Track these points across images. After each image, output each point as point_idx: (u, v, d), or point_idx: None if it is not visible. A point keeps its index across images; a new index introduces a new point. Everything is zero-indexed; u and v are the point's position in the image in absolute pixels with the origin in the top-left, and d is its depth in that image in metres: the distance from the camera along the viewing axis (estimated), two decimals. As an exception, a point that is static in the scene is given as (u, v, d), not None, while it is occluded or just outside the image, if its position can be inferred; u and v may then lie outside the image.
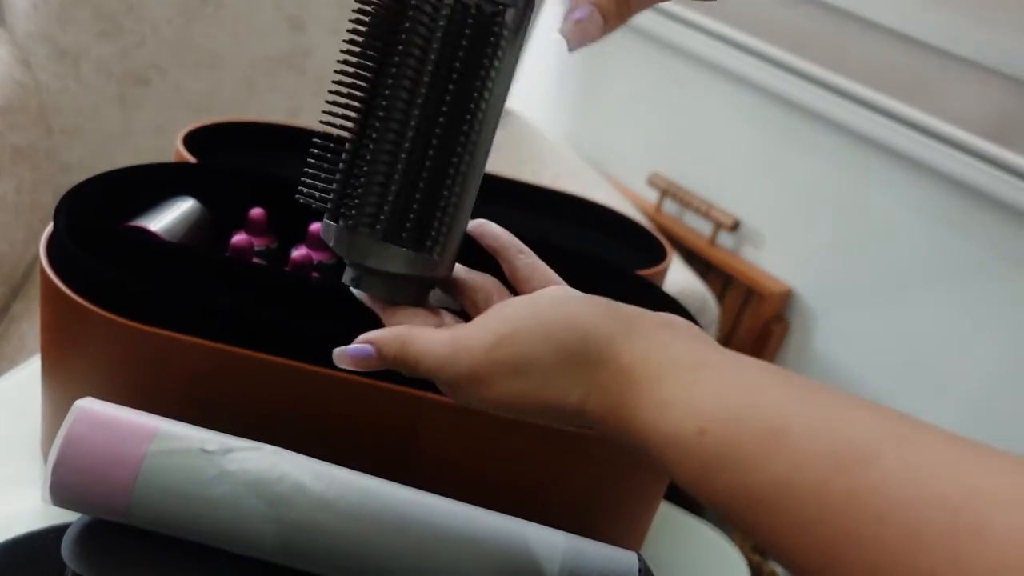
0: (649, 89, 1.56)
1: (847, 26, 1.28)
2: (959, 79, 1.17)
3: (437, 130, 0.38)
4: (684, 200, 1.48)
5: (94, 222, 0.54)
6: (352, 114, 0.40)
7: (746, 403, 0.31)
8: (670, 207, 1.54)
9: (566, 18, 0.37)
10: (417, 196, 0.39)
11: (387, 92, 0.38)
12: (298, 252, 0.59)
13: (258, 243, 0.62)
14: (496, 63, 0.38)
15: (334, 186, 0.40)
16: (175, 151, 0.66)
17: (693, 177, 1.50)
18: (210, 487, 0.41)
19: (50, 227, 0.52)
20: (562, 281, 0.43)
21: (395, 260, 0.39)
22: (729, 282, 1.45)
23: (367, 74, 0.39)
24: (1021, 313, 1.16)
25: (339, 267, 0.63)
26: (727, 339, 1.45)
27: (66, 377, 0.52)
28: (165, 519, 0.41)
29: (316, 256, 0.62)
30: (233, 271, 0.53)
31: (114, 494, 0.41)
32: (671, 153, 1.54)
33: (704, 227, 1.48)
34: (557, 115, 1.67)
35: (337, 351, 0.40)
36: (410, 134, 0.38)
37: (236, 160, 0.68)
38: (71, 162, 1.19)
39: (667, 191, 1.51)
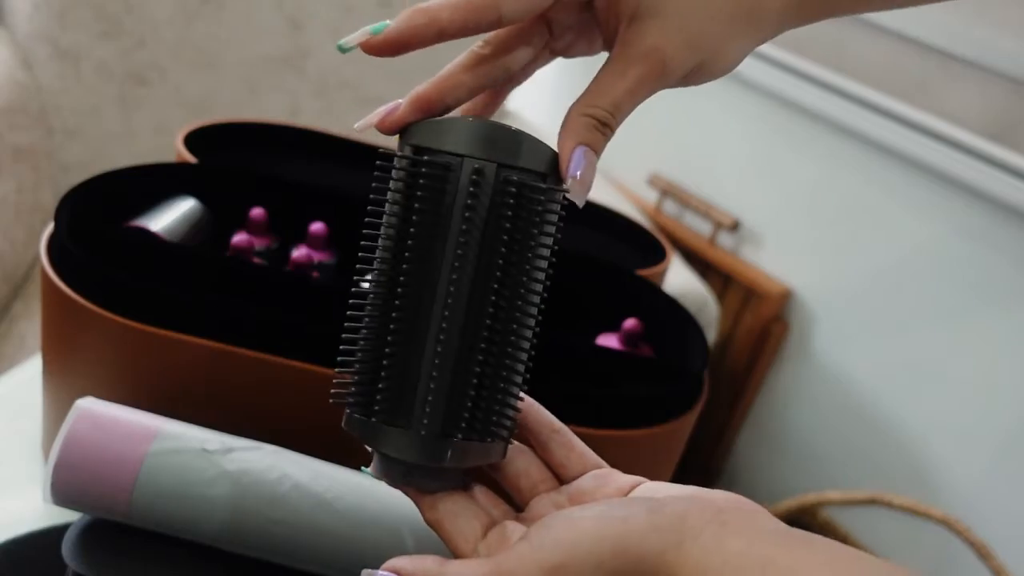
0: (649, 89, 1.56)
1: (847, 26, 1.28)
2: (959, 79, 1.17)
3: (492, 312, 0.35)
4: (684, 200, 1.48)
5: (94, 222, 0.54)
6: (397, 303, 0.34)
7: None
8: (670, 207, 1.54)
9: (568, 169, 0.35)
10: (479, 384, 0.35)
11: (437, 279, 0.34)
12: (298, 252, 0.59)
13: (258, 243, 0.62)
14: (548, 239, 0.35)
15: (380, 385, 0.35)
16: (175, 151, 0.66)
17: (693, 177, 1.50)
18: (210, 487, 0.41)
19: (51, 227, 0.52)
20: (601, 462, 0.40)
21: (458, 454, 0.35)
22: (729, 282, 1.45)
23: (410, 264, 0.34)
24: (1020, 312, 1.16)
25: (339, 267, 0.64)
26: (727, 339, 1.46)
27: (67, 377, 0.52)
28: (165, 519, 0.41)
29: (316, 256, 0.62)
30: (233, 271, 0.53)
31: (115, 494, 0.41)
32: (671, 153, 1.54)
33: (704, 227, 1.49)
34: (557, 115, 1.66)
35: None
36: (465, 320, 0.34)
37: (236, 160, 0.68)
38: (71, 162, 1.19)
39: (667, 191, 1.51)
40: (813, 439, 1.42)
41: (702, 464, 1.38)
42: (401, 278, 0.34)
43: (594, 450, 0.51)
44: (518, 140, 0.34)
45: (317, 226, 0.62)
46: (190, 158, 0.65)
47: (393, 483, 0.37)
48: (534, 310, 0.36)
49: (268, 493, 0.41)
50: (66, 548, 0.41)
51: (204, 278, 0.52)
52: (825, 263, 1.36)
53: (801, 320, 1.41)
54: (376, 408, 0.35)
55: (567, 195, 0.35)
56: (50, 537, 0.46)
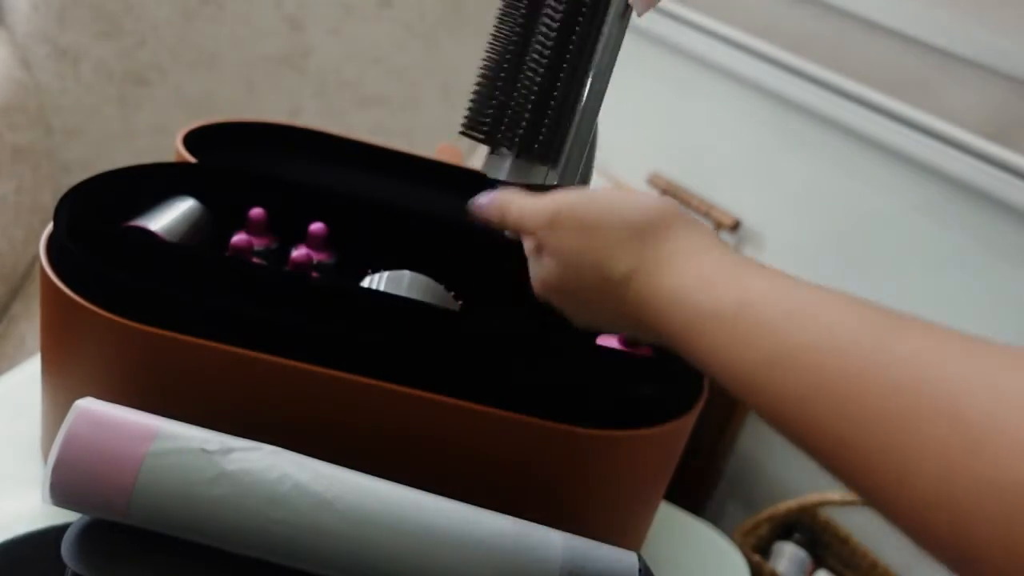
0: (649, 89, 1.56)
1: (847, 26, 1.28)
2: (959, 79, 1.17)
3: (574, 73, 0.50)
4: (684, 200, 1.48)
5: (94, 222, 0.54)
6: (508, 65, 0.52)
7: (787, 288, 0.34)
8: (670, 207, 1.54)
9: None
10: (557, 125, 0.51)
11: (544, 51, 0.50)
12: (298, 252, 0.59)
13: (258, 243, 0.62)
14: (604, 28, 0.50)
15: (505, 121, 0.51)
16: (175, 151, 0.66)
17: (693, 177, 1.50)
18: (210, 487, 0.41)
19: (50, 227, 0.52)
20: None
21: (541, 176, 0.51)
22: (729, 282, 1.45)
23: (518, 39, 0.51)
24: (1021, 312, 1.16)
25: (339, 267, 0.63)
26: (727, 339, 1.45)
27: (66, 377, 0.52)
28: (165, 519, 0.41)
29: (316, 256, 0.62)
30: (233, 271, 0.53)
31: (114, 494, 0.40)
32: (671, 153, 1.54)
33: (704, 227, 1.49)
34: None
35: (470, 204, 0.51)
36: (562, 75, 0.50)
37: (236, 160, 0.68)
38: (71, 162, 1.19)
39: (667, 191, 1.51)
40: (813, 439, 1.41)
41: (702, 464, 1.38)
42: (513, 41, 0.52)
43: (594, 450, 0.51)
44: None
45: (317, 226, 0.62)
46: (190, 158, 0.65)
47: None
48: (596, 75, 0.51)
49: (268, 493, 0.41)
50: (65, 548, 0.41)
51: (204, 278, 0.52)
52: (826, 263, 1.36)
53: (801, 320, 1.41)
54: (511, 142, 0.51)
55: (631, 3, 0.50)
56: (49, 537, 0.46)
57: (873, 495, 0.28)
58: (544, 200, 0.45)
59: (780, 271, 0.36)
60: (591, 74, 0.50)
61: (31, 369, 0.63)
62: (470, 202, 0.51)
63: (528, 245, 0.48)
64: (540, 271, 0.46)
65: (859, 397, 0.29)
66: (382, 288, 0.56)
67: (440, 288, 0.59)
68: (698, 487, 1.38)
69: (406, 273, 0.58)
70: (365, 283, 0.57)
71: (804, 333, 0.31)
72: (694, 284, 0.37)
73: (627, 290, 0.40)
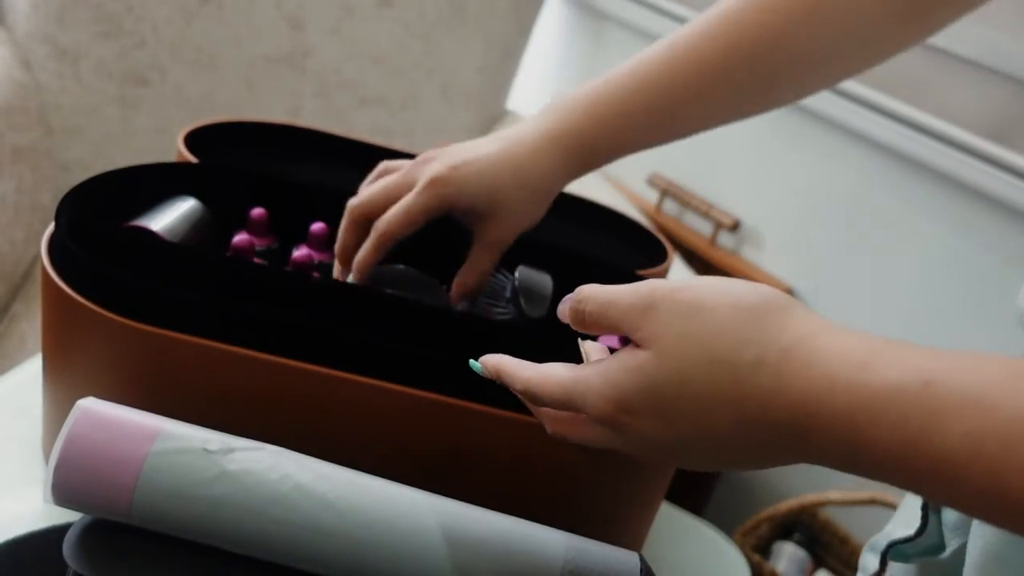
0: (649, 89, 1.56)
1: (847, 26, 1.28)
2: (959, 79, 1.17)
3: None
4: (684, 200, 1.48)
5: (95, 222, 0.54)
6: None
7: (966, 359, 0.30)
8: (670, 207, 1.54)
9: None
10: None
11: None
12: (299, 252, 0.59)
13: (259, 243, 0.62)
14: None
15: None
16: (175, 151, 0.66)
17: (693, 177, 1.50)
18: (212, 487, 0.41)
19: (51, 227, 0.52)
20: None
21: None
22: (729, 282, 1.45)
23: None
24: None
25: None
26: (727, 339, 1.46)
27: (67, 377, 0.52)
28: (167, 519, 0.41)
29: (317, 256, 0.62)
30: (234, 271, 0.53)
31: (116, 494, 0.40)
32: (671, 153, 1.54)
33: (704, 227, 1.49)
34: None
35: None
36: None
37: (236, 160, 0.68)
38: (71, 162, 1.19)
39: (667, 191, 1.51)
40: (813, 439, 1.42)
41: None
42: None
43: (596, 450, 0.51)
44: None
45: (318, 226, 0.62)
46: (190, 158, 0.65)
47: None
48: None
49: (270, 493, 0.41)
50: (67, 548, 0.41)
51: (205, 278, 0.52)
52: (826, 263, 1.36)
53: (801, 320, 1.41)
54: None
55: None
56: (50, 537, 0.46)
57: None
58: (630, 287, 0.38)
59: (921, 345, 0.32)
60: None
61: (32, 369, 0.63)
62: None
63: (598, 348, 0.43)
64: (624, 376, 0.36)
65: None
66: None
67: (428, 280, 0.60)
68: (698, 487, 1.38)
69: (398, 267, 0.59)
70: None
71: (1017, 400, 0.28)
72: (854, 365, 0.31)
73: (755, 382, 0.33)
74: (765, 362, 0.33)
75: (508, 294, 0.60)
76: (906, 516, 0.49)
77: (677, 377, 0.35)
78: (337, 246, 0.58)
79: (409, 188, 0.56)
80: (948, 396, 0.29)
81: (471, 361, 0.46)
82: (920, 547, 0.47)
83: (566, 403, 0.39)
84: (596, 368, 0.38)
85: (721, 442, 0.35)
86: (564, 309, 0.42)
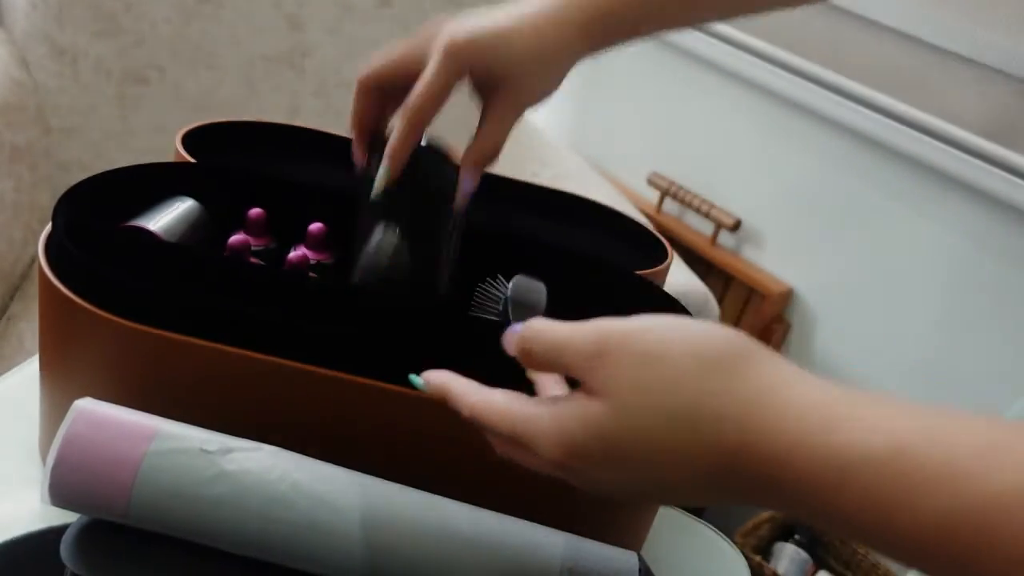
0: (649, 89, 1.56)
1: (847, 26, 1.28)
2: (959, 79, 1.17)
3: None
4: (684, 200, 1.48)
5: (93, 222, 0.54)
6: None
7: (942, 421, 0.28)
8: (670, 207, 1.54)
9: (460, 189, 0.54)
10: None
11: None
12: (295, 253, 0.59)
13: (256, 243, 0.61)
14: None
15: None
16: (174, 151, 0.66)
17: (693, 177, 1.50)
18: (210, 487, 0.41)
19: (49, 227, 0.52)
20: None
21: None
22: (730, 282, 1.45)
23: None
24: (1021, 311, 1.16)
25: (337, 267, 0.63)
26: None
27: (65, 377, 0.52)
28: (164, 519, 0.41)
29: (314, 256, 0.62)
30: (231, 271, 0.53)
31: (113, 494, 0.40)
32: (671, 153, 1.54)
33: (705, 227, 1.48)
34: (557, 115, 1.66)
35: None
36: None
37: (235, 160, 0.68)
38: (69, 161, 1.19)
39: (667, 191, 1.51)
40: (813, 439, 1.41)
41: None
42: None
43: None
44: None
45: (315, 226, 0.62)
46: (189, 158, 0.65)
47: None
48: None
49: (268, 493, 0.41)
50: (64, 549, 0.41)
51: (202, 278, 0.52)
52: (826, 262, 1.36)
53: (802, 320, 1.41)
54: None
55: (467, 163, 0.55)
56: (48, 538, 0.46)
57: None
58: (582, 329, 0.36)
59: (899, 399, 0.30)
60: None
61: (30, 369, 0.63)
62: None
63: (556, 390, 0.40)
64: (576, 425, 0.34)
65: None
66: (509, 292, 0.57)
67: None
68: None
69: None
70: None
71: (1001, 476, 0.26)
72: (821, 425, 0.29)
73: (716, 439, 0.31)
74: (727, 416, 0.31)
75: (501, 306, 0.59)
76: None
77: (632, 433, 0.33)
78: (352, 117, 0.56)
79: (422, 57, 0.54)
80: (920, 469, 0.27)
81: (411, 376, 0.43)
82: None
83: (514, 441, 0.37)
84: (548, 411, 0.35)
85: (680, 488, 0.33)
86: (511, 343, 0.38)
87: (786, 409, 0.30)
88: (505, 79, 0.54)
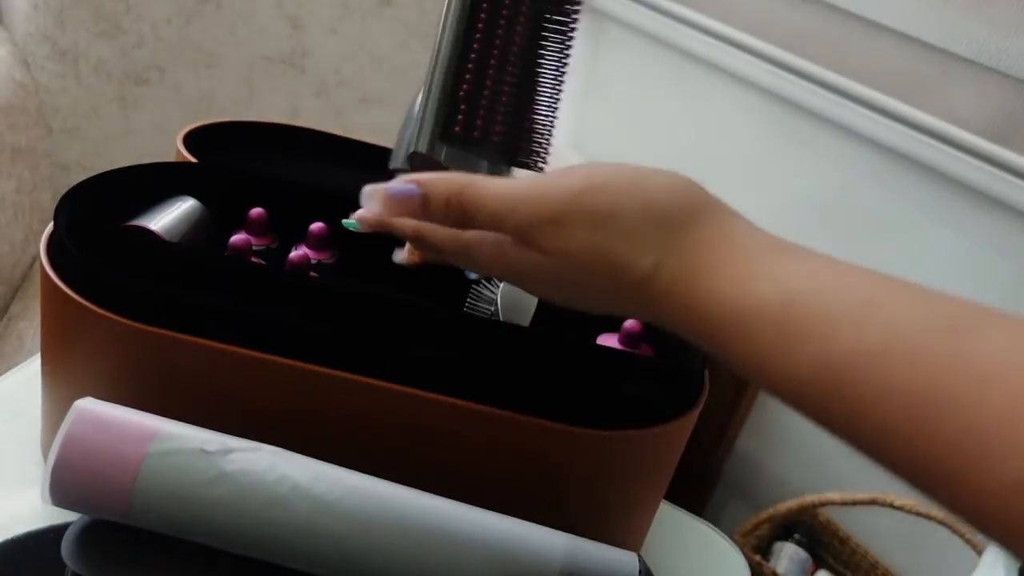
0: (650, 89, 1.56)
1: (847, 26, 1.28)
2: (959, 79, 1.17)
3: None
4: (684, 200, 1.48)
5: (94, 222, 0.54)
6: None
7: (836, 278, 0.31)
8: (670, 207, 1.54)
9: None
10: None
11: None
12: (296, 252, 0.59)
13: (258, 243, 0.61)
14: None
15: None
16: (175, 151, 0.66)
17: (693, 177, 1.50)
18: (210, 488, 0.41)
19: (50, 227, 0.52)
20: None
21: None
22: (729, 282, 1.45)
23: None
24: (1019, 309, 1.15)
25: (339, 267, 0.63)
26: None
27: (66, 377, 0.52)
28: (165, 519, 0.41)
29: (315, 256, 0.62)
30: (232, 271, 0.53)
31: (114, 494, 0.40)
32: (671, 153, 1.54)
33: (704, 227, 1.48)
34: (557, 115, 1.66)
35: (368, 188, 0.39)
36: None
37: (236, 160, 0.68)
38: (70, 162, 1.19)
39: (667, 191, 1.51)
40: (813, 439, 1.42)
41: (702, 464, 1.38)
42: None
43: (594, 450, 0.51)
44: None
45: (317, 226, 0.62)
46: (190, 158, 0.65)
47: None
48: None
49: (268, 494, 0.41)
50: (65, 549, 0.41)
51: (203, 278, 0.52)
52: (825, 263, 1.36)
53: (801, 320, 1.40)
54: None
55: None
56: (49, 538, 0.46)
57: (943, 493, 0.27)
58: (539, 188, 0.36)
59: (823, 255, 0.33)
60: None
61: (31, 369, 0.63)
62: (369, 188, 0.39)
63: (501, 237, 0.39)
64: (522, 266, 0.37)
65: (932, 404, 0.27)
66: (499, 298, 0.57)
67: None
68: (698, 487, 1.38)
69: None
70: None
71: (863, 334, 0.29)
72: (730, 278, 0.33)
73: (650, 287, 0.34)
74: (661, 268, 0.34)
75: (492, 307, 0.59)
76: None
77: (571, 284, 0.36)
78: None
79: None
80: (801, 320, 0.30)
81: (344, 221, 0.44)
82: None
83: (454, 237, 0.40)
84: (498, 244, 0.38)
85: (595, 302, 0.37)
86: (439, 197, 0.37)
87: (710, 264, 0.34)
88: None
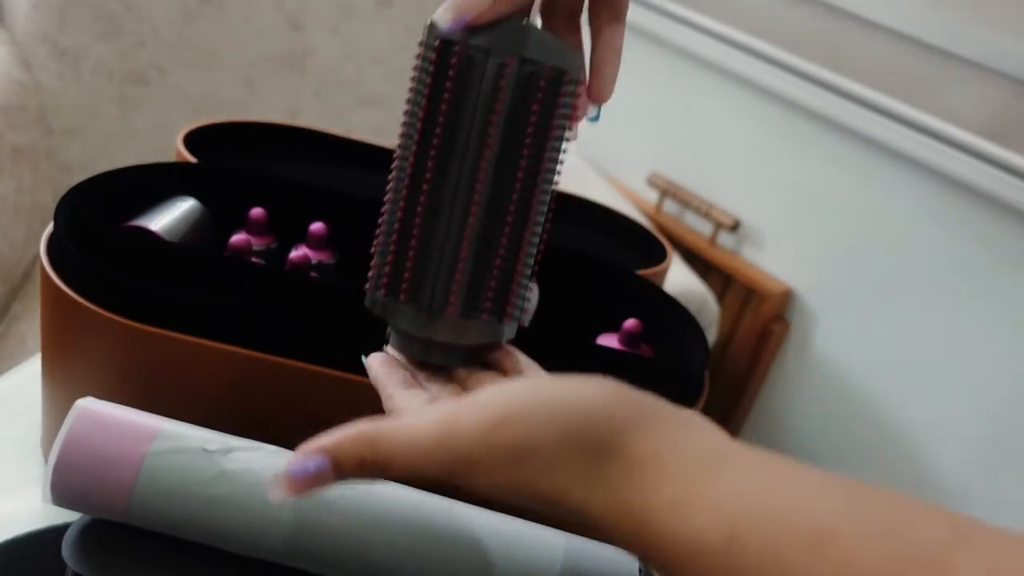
0: (649, 89, 1.56)
1: (847, 26, 1.28)
2: (959, 79, 1.17)
3: (512, 198, 0.38)
4: (684, 200, 1.48)
5: (94, 222, 0.54)
6: (415, 193, 0.38)
7: (781, 502, 0.28)
8: (670, 207, 1.54)
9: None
10: (497, 268, 0.39)
11: (458, 165, 0.38)
12: (296, 252, 0.59)
13: (258, 243, 0.61)
14: (561, 135, 0.38)
15: (408, 265, 0.39)
16: (175, 151, 0.66)
17: (693, 177, 1.50)
18: (210, 487, 0.41)
19: (50, 227, 0.52)
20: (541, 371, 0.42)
21: (472, 333, 0.40)
22: (729, 282, 1.45)
23: (434, 151, 0.38)
24: (1021, 312, 1.16)
25: (339, 267, 0.64)
26: (727, 339, 1.45)
27: (66, 377, 0.52)
28: (165, 519, 0.41)
29: (315, 256, 0.62)
30: (232, 271, 0.53)
31: (114, 494, 0.40)
32: (671, 153, 1.54)
33: (704, 227, 1.48)
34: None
35: (273, 478, 0.33)
36: (488, 206, 0.38)
37: (236, 160, 0.68)
38: (71, 162, 1.19)
39: (667, 191, 1.51)
40: (814, 438, 1.42)
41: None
42: (428, 163, 0.37)
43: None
44: (541, 38, 0.37)
45: (317, 226, 0.62)
46: (190, 158, 0.65)
47: (412, 357, 0.41)
48: (548, 199, 0.39)
49: (269, 493, 0.41)
50: (66, 548, 0.41)
51: (203, 278, 0.52)
52: (826, 262, 1.36)
53: (802, 320, 1.41)
54: (403, 288, 0.39)
55: (592, 100, 0.40)
56: (49, 537, 0.46)
57: None
58: (450, 427, 0.32)
59: (771, 459, 0.30)
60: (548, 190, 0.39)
61: (31, 369, 0.63)
62: (273, 479, 0.33)
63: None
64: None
65: None
66: None
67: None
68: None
69: None
70: None
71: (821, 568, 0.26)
72: (667, 507, 0.29)
73: (587, 517, 0.31)
74: (591, 502, 0.31)
75: None
76: None
77: (519, 509, 0.33)
78: None
79: None
80: (747, 559, 0.27)
81: (364, 358, 0.42)
82: None
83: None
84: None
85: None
86: (350, 463, 0.32)
87: (644, 491, 0.30)
88: None
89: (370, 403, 0.49)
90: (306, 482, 0.32)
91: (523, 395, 0.32)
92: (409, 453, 0.32)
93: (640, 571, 0.43)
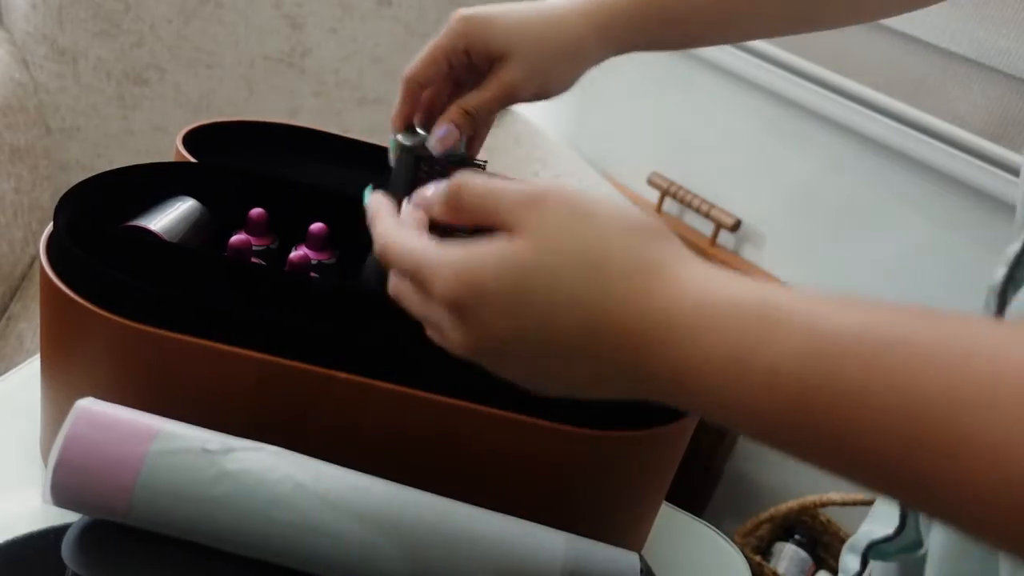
0: (649, 89, 1.56)
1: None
2: (960, 79, 1.17)
3: None
4: (684, 200, 1.48)
5: (94, 222, 0.54)
6: None
7: (808, 289, 0.31)
8: (670, 207, 1.54)
9: (432, 134, 0.53)
10: None
11: None
12: (296, 253, 0.59)
13: (258, 243, 0.61)
14: None
15: None
16: (174, 151, 0.66)
17: (693, 177, 1.50)
18: (211, 487, 0.41)
19: (50, 227, 0.52)
20: None
21: None
22: (729, 282, 1.45)
23: None
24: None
25: (339, 267, 0.63)
26: (727, 339, 1.45)
27: (66, 377, 0.52)
28: (166, 519, 0.41)
29: (315, 256, 0.62)
30: (232, 271, 0.53)
31: (114, 494, 0.40)
32: (671, 153, 1.54)
33: (705, 227, 1.48)
34: (557, 115, 1.66)
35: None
36: None
37: (236, 160, 0.68)
38: (70, 162, 1.19)
39: (667, 191, 1.51)
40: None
41: (702, 464, 1.38)
42: None
43: (596, 452, 0.51)
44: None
45: (317, 226, 0.62)
46: (189, 158, 0.65)
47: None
48: None
49: (269, 494, 0.41)
50: (66, 549, 0.41)
51: (204, 278, 0.52)
52: (826, 262, 1.36)
53: (801, 320, 1.40)
54: None
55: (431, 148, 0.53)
56: (49, 538, 0.46)
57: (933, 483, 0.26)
58: (517, 183, 0.36)
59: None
60: None
61: (31, 369, 0.63)
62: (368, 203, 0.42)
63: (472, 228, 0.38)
64: (490, 260, 0.34)
65: (922, 410, 0.26)
66: None
67: None
68: (698, 487, 1.38)
69: None
70: None
71: (849, 319, 0.28)
72: (704, 277, 0.32)
73: (617, 293, 0.33)
74: (636, 271, 0.33)
75: None
76: (883, 514, 0.49)
77: (548, 271, 0.34)
78: (394, 118, 0.56)
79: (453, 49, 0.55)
80: (781, 311, 0.29)
81: (364, 192, 0.45)
82: (899, 545, 0.47)
83: (413, 273, 0.36)
84: (461, 250, 0.35)
85: (557, 348, 0.34)
86: (439, 192, 0.38)
87: (683, 272, 0.33)
88: (509, 55, 0.53)
89: (371, 403, 0.49)
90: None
91: (591, 192, 0.36)
92: (485, 189, 0.37)
93: (641, 572, 0.43)
